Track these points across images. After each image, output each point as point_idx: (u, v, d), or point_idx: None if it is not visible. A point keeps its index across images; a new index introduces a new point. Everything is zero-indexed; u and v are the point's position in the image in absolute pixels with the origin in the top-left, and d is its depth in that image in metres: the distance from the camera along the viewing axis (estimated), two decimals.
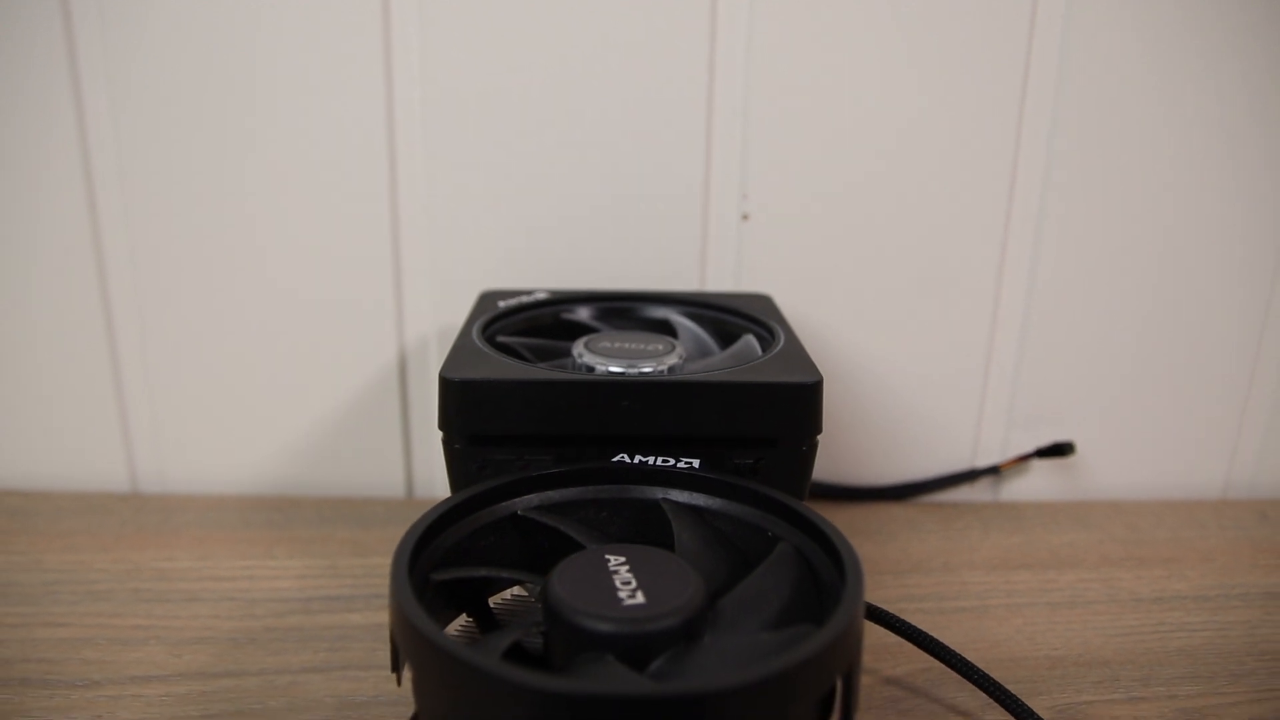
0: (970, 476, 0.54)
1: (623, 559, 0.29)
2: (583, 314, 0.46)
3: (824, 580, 0.29)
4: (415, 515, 0.30)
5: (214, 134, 0.48)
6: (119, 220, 0.49)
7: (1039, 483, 0.55)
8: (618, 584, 0.27)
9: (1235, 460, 0.55)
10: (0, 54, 0.47)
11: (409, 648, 0.25)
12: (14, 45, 0.47)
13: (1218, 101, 0.49)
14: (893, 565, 0.48)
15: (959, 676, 0.37)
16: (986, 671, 0.36)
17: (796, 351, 0.39)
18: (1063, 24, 0.47)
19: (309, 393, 0.52)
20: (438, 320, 0.51)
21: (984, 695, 0.37)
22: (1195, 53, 0.48)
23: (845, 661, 0.25)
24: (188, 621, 0.42)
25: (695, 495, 0.33)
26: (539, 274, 0.50)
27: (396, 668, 0.28)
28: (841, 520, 0.46)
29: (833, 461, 0.54)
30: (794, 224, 0.50)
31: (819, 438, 0.36)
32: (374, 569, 0.46)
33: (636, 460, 0.34)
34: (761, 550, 0.31)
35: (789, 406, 0.35)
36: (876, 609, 0.38)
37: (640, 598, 0.27)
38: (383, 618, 0.42)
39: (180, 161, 0.49)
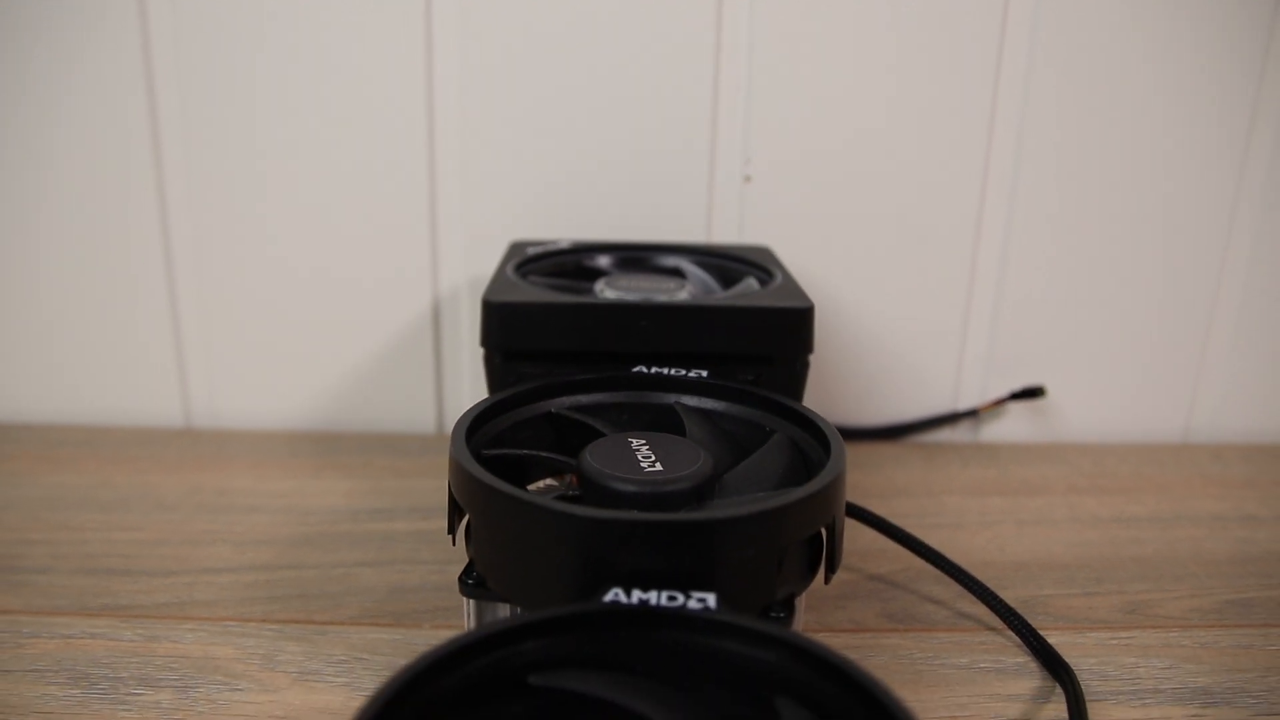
0: (951, 419, 0.59)
1: (643, 441, 0.34)
2: (601, 260, 0.51)
3: (813, 461, 0.34)
4: (446, 450, 0.34)
5: (271, 94, 0.53)
6: (180, 174, 0.54)
7: (1014, 425, 0.60)
8: (639, 458, 0.33)
9: (1195, 407, 0.60)
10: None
11: (468, 497, 0.30)
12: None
13: (1179, 73, 0.54)
14: (879, 491, 0.53)
15: (935, 572, 0.43)
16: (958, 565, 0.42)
17: (791, 285, 0.44)
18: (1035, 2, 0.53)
19: (350, 337, 0.57)
20: (468, 271, 0.56)
21: (957, 586, 0.42)
22: (1165, 25, 0.53)
23: (827, 514, 0.30)
24: (249, 527, 0.47)
25: (704, 399, 0.38)
26: (561, 227, 0.55)
27: (452, 528, 0.33)
28: None
29: (825, 404, 0.59)
30: (791, 186, 0.55)
31: (810, 357, 0.41)
32: (412, 489, 0.51)
33: (653, 371, 0.39)
34: (761, 443, 0.36)
35: (783, 328, 0.40)
36: (862, 510, 0.43)
37: (659, 466, 0.32)
38: (423, 525, 0.47)
39: (238, 118, 0.54)
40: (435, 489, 0.51)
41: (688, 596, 0.27)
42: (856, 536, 0.45)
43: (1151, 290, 0.58)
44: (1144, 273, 0.58)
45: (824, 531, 0.31)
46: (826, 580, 0.32)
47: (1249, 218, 0.57)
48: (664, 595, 0.27)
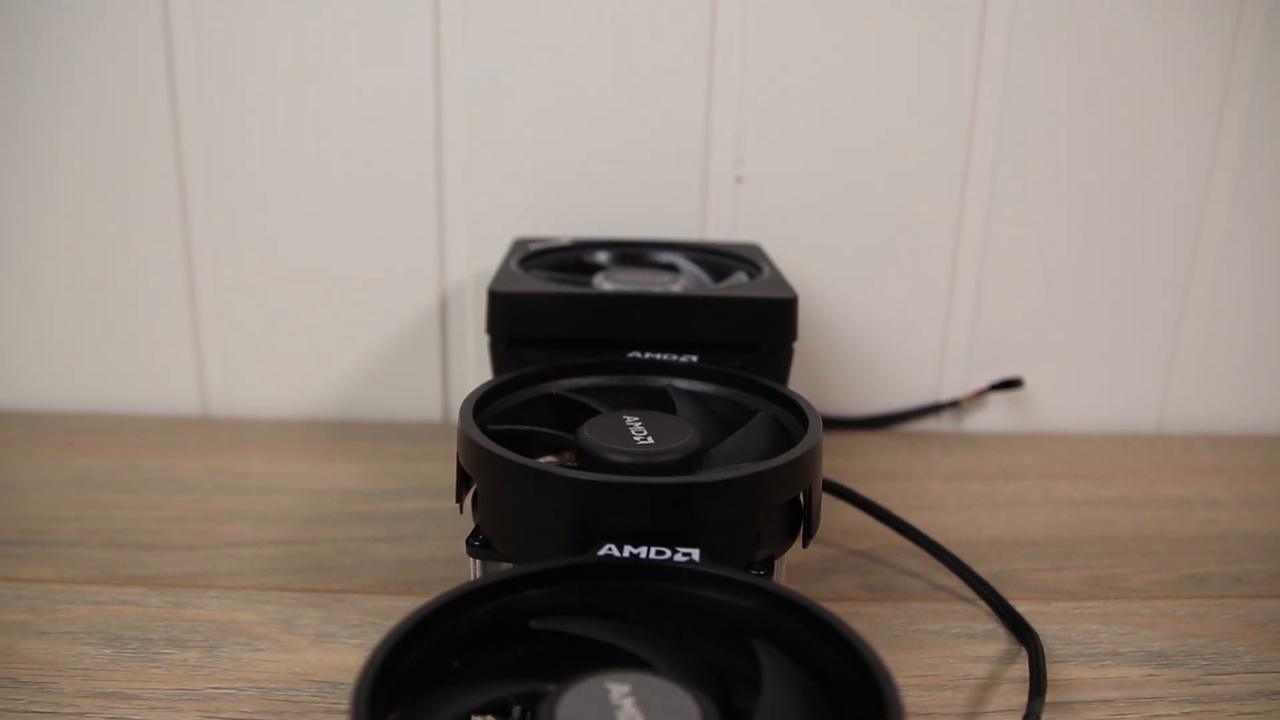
0: (934, 409, 0.62)
1: (637, 418, 0.36)
2: (600, 256, 0.54)
3: (794, 437, 0.37)
4: (453, 438, 0.37)
5: (288, 101, 0.56)
6: (200, 177, 0.57)
7: (995, 416, 0.63)
8: (633, 433, 0.35)
9: (1168, 399, 0.63)
10: None
11: (476, 466, 0.33)
12: None
13: (1150, 75, 0.57)
14: (863, 476, 0.55)
15: (913, 549, 0.45)
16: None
17: (777, 277, 0.47)
18: (1011, 12, 0.56)
19: (361, 330, 0.60)
20: (473, 268, 0.59)
21: (933, 561, 0.45)
22: (1139, 26, 0.56)
23: (804, 481, 0.33)
24: (266, 506, 0.50)
25: (694, 383, 0.41)
26: (562, 225, 0.58)
27: (460, 498, 0.36)
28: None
29: (813, 395, 0.62)
30: (780, 187, 0.58)
31: (795, 345, 0.44)
32: (421, 472, 0.54)
33: (647, 356, 0.42)
34: (746, 422, 0.39)
35: (769, 317, 0.43)
36: (844, 488, 0.46)
37: (650, 440, 0.35)
38: (431, 505, 0.50)
39: (257, 122, 0.57)
40: (442, 471, 0.54)
41: (674, 552, 0.29)
42: (839, 515, 0.48)
43: (1127, 287, 0.61)
44: (1119, 270, 0.60)
45: (801, 498, 0.34)
46: (805, 544, 0.34)
47: (1217, 224, 0.59)
48: (652, 551, 0.29)
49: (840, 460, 0.57)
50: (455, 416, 0.61)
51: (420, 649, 0.26)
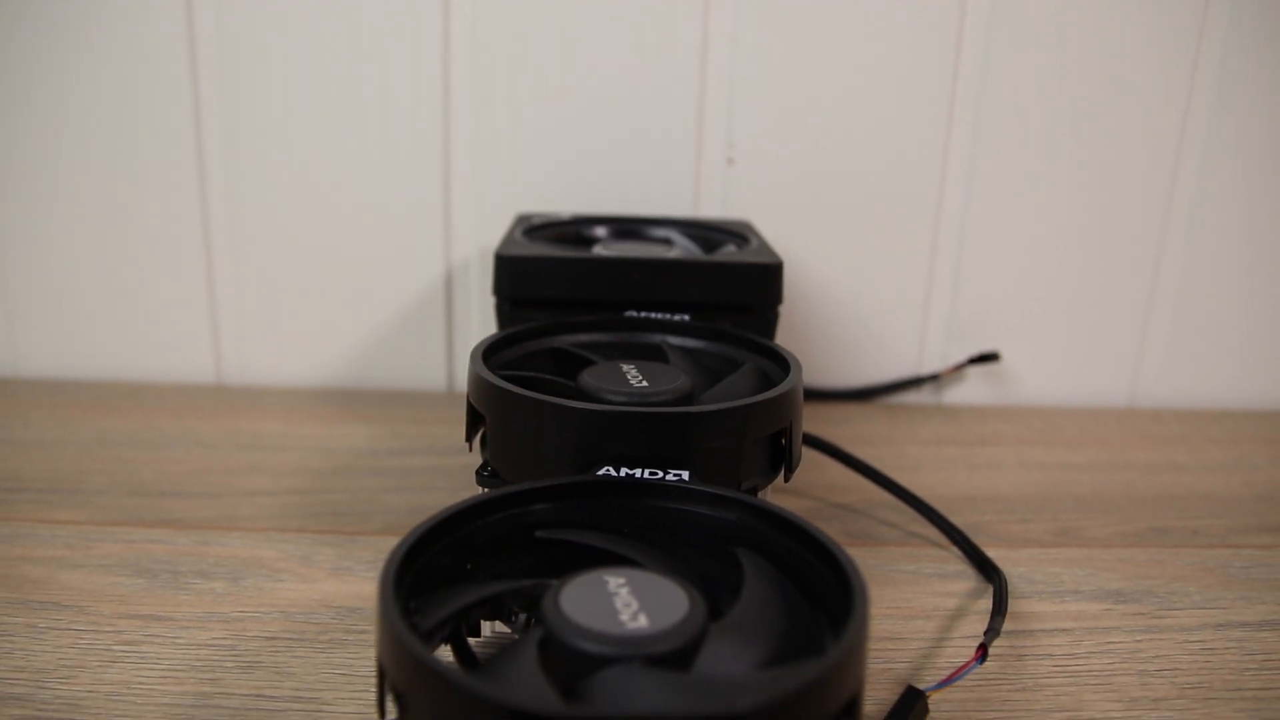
0: (915, 383, 0.65)
1: (631, 366, 0.40)
2: (598, 230, 0.57)
3: (774, 381, 0.40)
4: (457, 406, 0.39)
5: (305, 85, 0.59)
6: (219, 163, 0.60)
7: (973, 389, 0.66)
8: (629, 377, 0.38)
9: (1139, 375, 0.66)
10: None
11: (486, 402, 0.36)
12: None
13: (1120, 61, 0.60)
14: (846, 441, 0.57)
15: (892, 502, 0.49)
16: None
17: (764, 246, 0.50)
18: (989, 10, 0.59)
19: (370, 303, 0.63)
20: (478, 243, 0.62)
21: (910, 513, 0.48)
22: (1118, 7, 0.59)
23: (785, 418, 0.36)
24: (283, 462, 0.53)
25: (687, 339, 0.44)
26: (562, 202, 0.61)
27: (469, 436, 0.39)
28: (805, 416, 0.57)
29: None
30: (770, 168, 0.61)
31: (780, 308, 0.47)
32: (428, 434, 0.57)
33: (642, 315, 0.45)
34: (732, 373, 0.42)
35: (756, 281, 0.46)
36: (827, 443, 0.49)
37: (645, 383, 0.38)
38: (438, 461, 0.53)
39: (274, 106, 0.60)
40: (448, 434, 0.57)
41: (665, 474, 0.32)
42: (823, 472, 0.51)
43: (1100, 266, 0.64)
44: (1092, 250, 0.63)
45: (783, 438, 0.37)
46: (786, 479, 0.37)
47: (1182, 212, 0.63)
48: (646, 472, 0.33)
49: (824, 428, 0.60)
50: (460, 386, 0.65)
51: (438, 550, 0.29)
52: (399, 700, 0.24)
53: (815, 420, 0.61)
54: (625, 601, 0.26)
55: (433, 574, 0.29)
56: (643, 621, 0.26)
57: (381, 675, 0.25)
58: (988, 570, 0.43)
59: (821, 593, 0.29)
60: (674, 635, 0.25)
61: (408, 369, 0.64)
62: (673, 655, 0.25)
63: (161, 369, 0.64)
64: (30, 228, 0.62)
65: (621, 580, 0.27)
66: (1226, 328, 0.65)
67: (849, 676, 0.24)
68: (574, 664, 0.25)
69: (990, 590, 0.42)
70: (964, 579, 0.43)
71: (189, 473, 0.51)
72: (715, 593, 0.30)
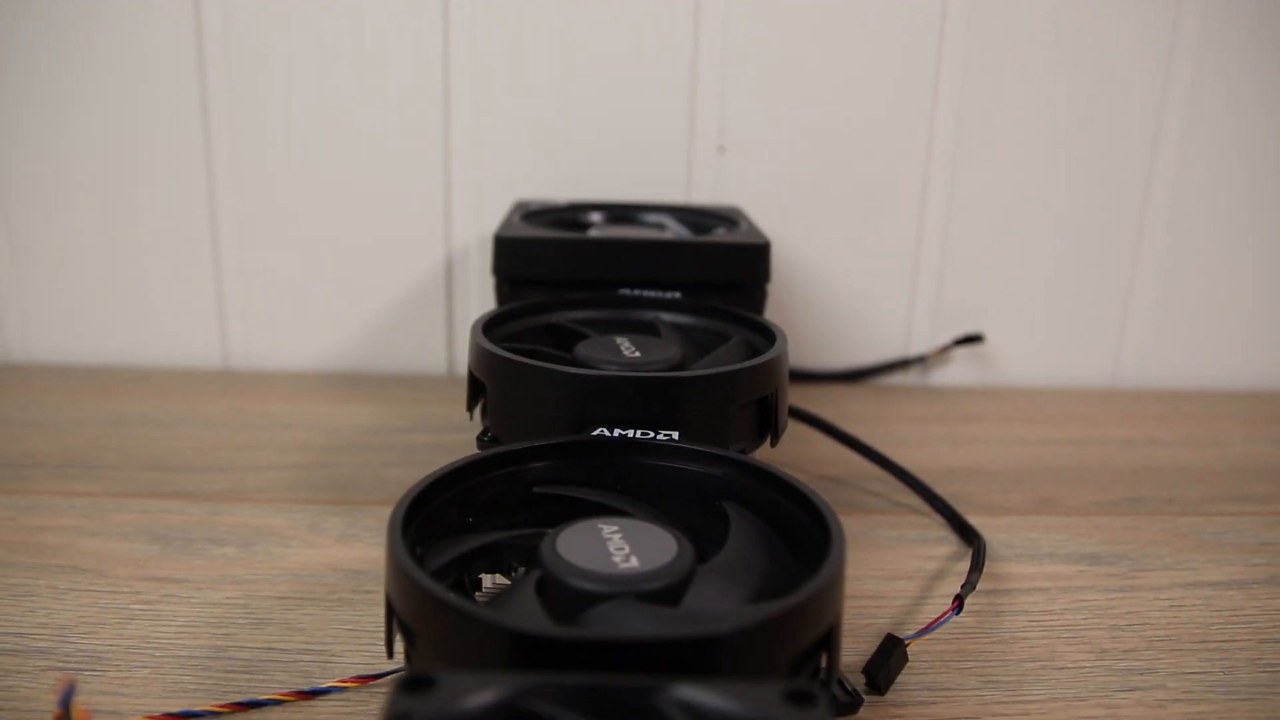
0: (903, 364, 0.67)
1: (625, 340, 0.41)
2: (594, 216, 0.59)
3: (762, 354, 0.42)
4: (457, 388, 0.41)
5: (308, 74, 0.61)
6: (223, 154, 0.62)
7: (959, 371, 0.68)
8: (623, 349, 0.40)
9: (1120, 357, 0.68)
10: None
11: (487, 371, 0.38)
12: None
13: (1100, 47, 0.62)
14: (835, 420, 0.59)
15: (878, 474, 0.50)
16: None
17: (753, 228, 0.52)
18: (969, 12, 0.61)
19: (372, 288, 0.65)
20: (477, 230, 0.64)
21: (894, 483, 0.50)
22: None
23: (770, 385, 0.38)
24: (288, 439, 0.54)
25: (679, 315, 0.46)
26: (558, 189, 0.63)
27: (470, 406, 0.40)
28: (796, 396, 0.59)
29: (789, 350, 0.66)
30: (760, 156, 0.63)
31: (768, 287, 0.49)
32: (429, 413, 0.59)
33: (636, 293, 0.47)
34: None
35: (746, 261, 0.48)
36: (816, 418, 0.51)
37: (637, 354, 0.39)
38: (440, 439, 0.55)
39: (277, 95, 0.62)
40: (448, 413, 0.58)
41: (656, 434, 0.34)
42: (811, 447, 0.53)
43: (1081, 250, 0.66)
44: (1074, 235, 0.65)
45: (769, 403, 0.38)
46: (772, 444, 0.39)
47: (1163, 197, 0.64)
48: (638, 433, 0.34)
49: (815, 408, 0.61)
50: (460, 369, 0.67)
51: (441, 503, 0.31)
52: (406, 633, 0.26)
53: (805, 401, 0.63)
54: (618, 546, 0.28)
55: (437, 526, 0.31)
56: (634, 563, 0.27)
57: (390, 612, 0.27)
58: (968, 535, 0.45)
59: (804, 543, 0.30)
60: (663, 574, 0.27)
61: (409, 352, 0.66)
62: (662, 592, 0.27)
63: (169, 354, 0.66)
64: (41, 219, 0.63)
65: (614, 528, 0.29)
66: (1207, 310, 0.67)
67: (826, 607, 0.26)
68: (570, 601, 0.27)
69: (970, 553, 0.44)
70: (945, 544, 0.45)
71: (199, 449, 0.53)
72: (703, 545, 0.32)
